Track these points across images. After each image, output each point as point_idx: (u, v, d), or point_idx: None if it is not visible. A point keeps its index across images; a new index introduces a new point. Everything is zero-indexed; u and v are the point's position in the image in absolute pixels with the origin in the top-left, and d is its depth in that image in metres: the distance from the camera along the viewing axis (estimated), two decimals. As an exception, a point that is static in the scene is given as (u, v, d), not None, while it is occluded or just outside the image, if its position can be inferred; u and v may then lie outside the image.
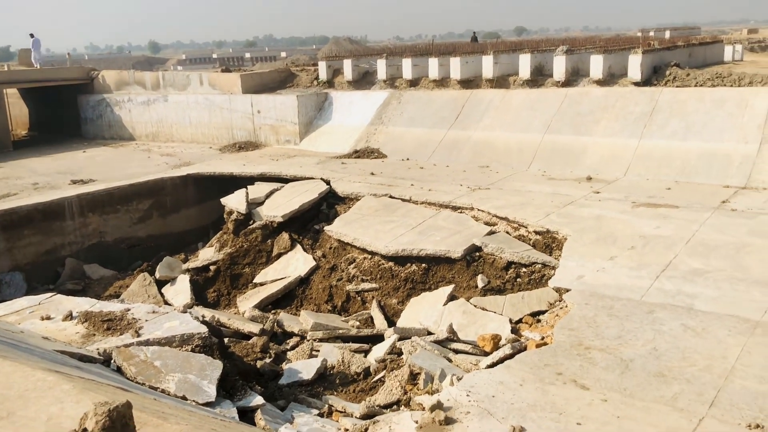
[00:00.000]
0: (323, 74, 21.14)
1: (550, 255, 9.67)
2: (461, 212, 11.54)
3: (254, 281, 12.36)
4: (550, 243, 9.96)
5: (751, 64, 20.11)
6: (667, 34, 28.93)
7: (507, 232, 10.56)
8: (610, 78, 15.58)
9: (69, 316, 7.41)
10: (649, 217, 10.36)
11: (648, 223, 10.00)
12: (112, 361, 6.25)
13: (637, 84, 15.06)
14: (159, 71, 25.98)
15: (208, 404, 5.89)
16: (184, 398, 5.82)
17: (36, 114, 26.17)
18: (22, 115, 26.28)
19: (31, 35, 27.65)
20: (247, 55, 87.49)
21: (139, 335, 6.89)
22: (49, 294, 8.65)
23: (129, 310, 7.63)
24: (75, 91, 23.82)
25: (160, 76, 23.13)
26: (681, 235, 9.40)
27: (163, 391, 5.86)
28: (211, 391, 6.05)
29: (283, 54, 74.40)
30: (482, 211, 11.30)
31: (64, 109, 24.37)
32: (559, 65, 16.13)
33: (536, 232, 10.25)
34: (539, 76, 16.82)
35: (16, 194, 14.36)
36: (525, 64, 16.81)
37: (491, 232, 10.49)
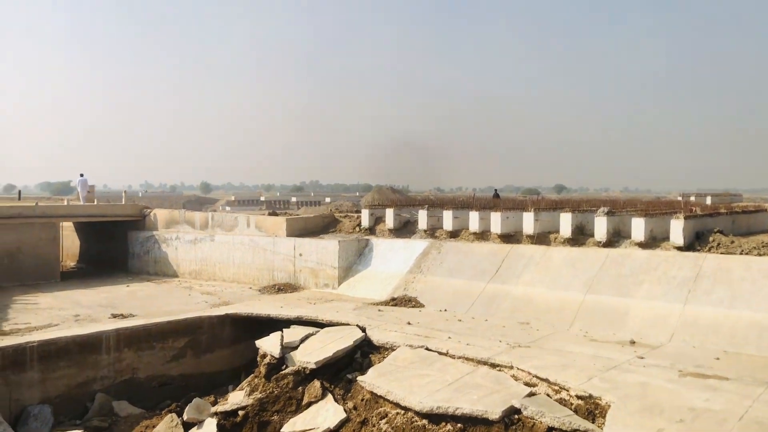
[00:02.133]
0: (365, 221, 21.64)
1: (593, 422, 9.19)
2: (500, 370, 11.20)
3: (282, 430, 11.96)
4: (592, 409, 9.51)
5: (797, 233, 19.88)
6: (708, 200, 29.12)
7: (547, 395, 10.15)
8: (652, 241, 15.55)
9: (92, 458, 7.20)
10: (698, 388, 9.88)
11: (697, 395, 9.52)
12: None
13: (679, 248, 14.98)
14: (208, 211, 27.00)
15: None
16: None
17: (87, 247, 27.14)
18: (73, 247, 27.29)
19: (81, 174, 29.34)
20: (294, 199, 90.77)
21: (160, 484, 6.62)
22: (75, 431, 8.49)
23: (153, 454, 7.40)
24: (126, 226, 24.80)
25: (209, 216, 24.00)
26: (733, 410, 8.89)
27: None
28: None
29: (328, 199, 76.95)
30: (522, 370, 10.96)
31: (113, 243, 25.26)
32: (601, 226, 16.24)
33: (578, 397, 9.83)
34: (580, 235, 16.90)
35: (57, 325, 14.55)
36: (566, 222, 16.98)
37: (531, 394, 10.10)
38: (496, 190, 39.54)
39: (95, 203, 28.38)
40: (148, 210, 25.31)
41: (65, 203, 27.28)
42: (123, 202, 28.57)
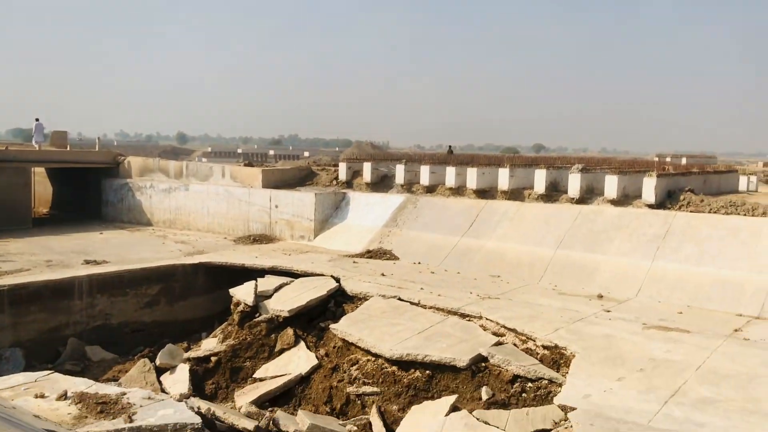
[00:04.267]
0: (343, 175, 21.62)
1: (558, 371, 9.46)
2: (469, 320, 11.42)
3: (254, 376, 12.14)
4: (557, 359, 9.77)
5: (766, 195, 20.28)
6: (684, 161, 29.49)
7: (514, 344, 10.40)
8: (625, 198, 15.78)
9: (63, 396, 7.28)
10: (660, 340, 10.18)
11: (658, 346, 9.82)
12: (100, 447, 6.09)
13: (651, 206, 15.22)
14: (183, 161, 26.71)
15: (192, 500, 5.67)
16: (168, 492, 5.61)
17: (59, 193, 26.77)
18: (45, 193, 26.90)
19: (36, 119, 28.67)
20: (271, 152, 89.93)
21: (132, 420, 6.73)
22: (47, 372, 8.54)
23: (125, 394, 7.50)
24: (100, 174, 24.47)
25: (184, 165, 23.76)
26: (691, 360, 9.19)
27: (148, 482, 5.66)
28: (197, 487, 5.83)
29: (306, 153, 76.43)
30: (490, 320, 11.18)
31: (87, 190, 24.96)
32: (574, 182, 16.41)
33: (544, 347, 10.08)
34: (554, 192, 17.08)
35: (29, 270, 14.46)
36: (540, 179, 17.13)
37: (498, 343, 10.33)
38: (450, 146, 38.90)
39: (68, 149, 27.89)
40: (122, 157, 24.98)
41: (37, 148, 26.80)
42: (97, 149, 28.11)
